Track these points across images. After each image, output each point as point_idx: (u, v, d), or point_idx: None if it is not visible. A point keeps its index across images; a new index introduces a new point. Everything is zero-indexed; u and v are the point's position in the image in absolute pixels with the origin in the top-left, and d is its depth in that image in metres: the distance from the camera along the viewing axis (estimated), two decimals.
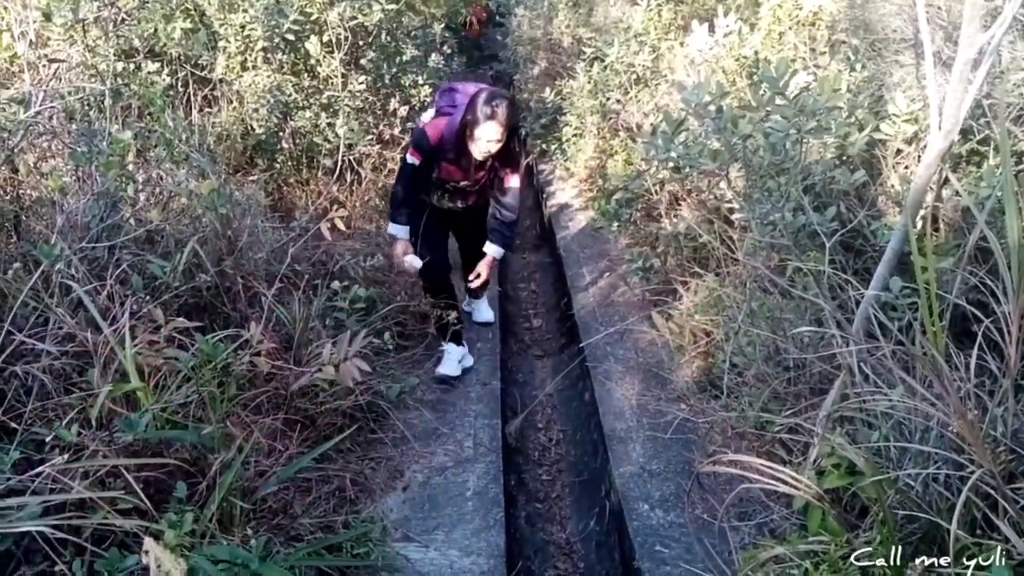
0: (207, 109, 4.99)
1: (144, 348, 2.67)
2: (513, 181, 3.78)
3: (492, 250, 3.89)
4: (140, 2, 4.60)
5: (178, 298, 3.20)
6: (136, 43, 4.45)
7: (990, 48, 2.13)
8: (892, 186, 3.27)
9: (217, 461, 2.49)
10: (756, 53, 4.35)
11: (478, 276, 3.93)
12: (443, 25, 7.22)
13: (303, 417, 3.14)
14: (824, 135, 2.72)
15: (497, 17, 10.20)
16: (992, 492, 1.75)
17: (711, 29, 4.79)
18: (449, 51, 7.61)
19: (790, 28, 4.40)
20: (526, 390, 4.56)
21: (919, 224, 3.14)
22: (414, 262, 3.77)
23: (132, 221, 3.17)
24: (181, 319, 2.81)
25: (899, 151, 3.35)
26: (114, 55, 3.98)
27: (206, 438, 2.54)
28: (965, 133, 3.20)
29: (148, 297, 2.98)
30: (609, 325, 4.52)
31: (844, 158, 3.30)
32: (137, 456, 2.45)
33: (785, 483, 2.11)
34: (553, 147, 7.51)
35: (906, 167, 3.35)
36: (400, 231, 3.81)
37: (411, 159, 3.68)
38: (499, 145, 3.45)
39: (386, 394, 3.55)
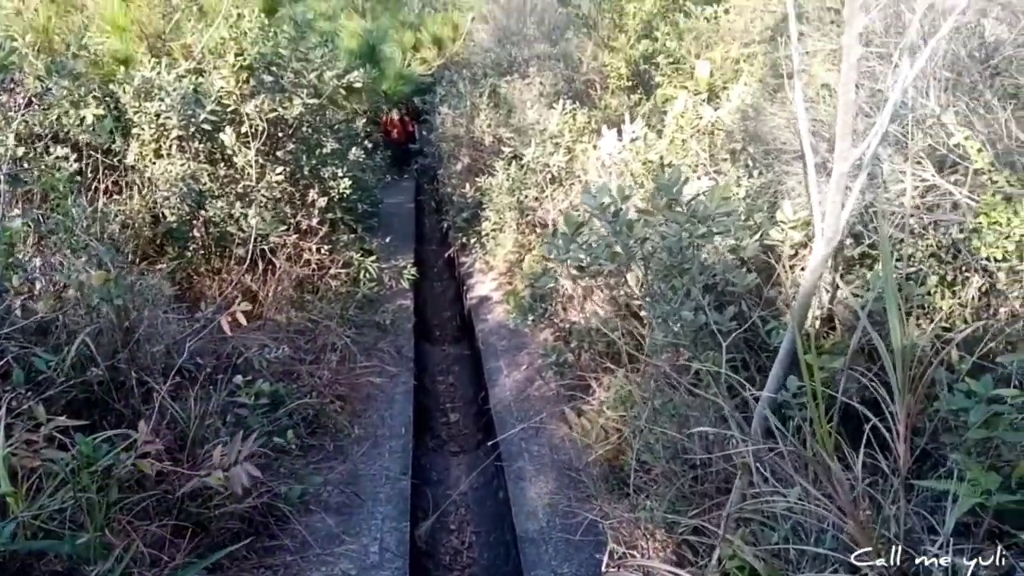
0: (116, 196, 4.87)
1: (20, 448, 2.49)
2: None
3: None
4: (43, 88, 4.52)
5: (67, 393, 3.02)
6: (37, 129, 4.34)
7: (865, 160, 2.27)
8: (786, 288, 3.40)
9: (93, 574, 2.31)
10: (661, 157, 4.55)
11: None
12: (364, 120, 7.35)
13: (194, 522, 2.96)
14: (716, 240, 2.82)
15: (422, 116, 10.42)
16: None
17: (619, 134, 5.01)
18: (371, 145, 7.73)
19: (692, 136, 4.64)
20: (440, 489, 4.44)
21: (816, 325, 3.26)
22: None
23: (19, 312, 3.01)
24: (63, 417, 2.65)
25: (796, 254, 3.51)
26: (15, 140, 3.86)
27: (81, 548, 2.36)
28: (857, 237, 3.38)
29: (30, 392, 2.81)
30: (525, 419, 4.48)
31: (743, 260, 3.42)
32: (3, 570, 2.26)
33: None
34: (473, 240, 7.60)
35: (802, 269, 3.50)
36: None
37: None
38: None
39: (287, 496, 3.39)
